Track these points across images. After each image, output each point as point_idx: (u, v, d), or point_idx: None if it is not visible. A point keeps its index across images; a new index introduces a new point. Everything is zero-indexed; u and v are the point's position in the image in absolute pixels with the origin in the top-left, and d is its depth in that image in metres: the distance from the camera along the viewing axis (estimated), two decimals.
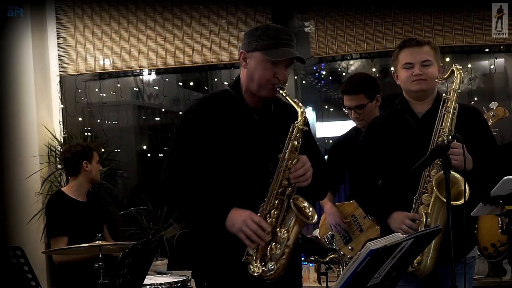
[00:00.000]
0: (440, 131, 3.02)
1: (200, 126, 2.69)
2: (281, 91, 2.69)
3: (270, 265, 2.58)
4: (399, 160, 3.09)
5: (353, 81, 4.00)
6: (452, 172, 2.86)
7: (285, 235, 2.60)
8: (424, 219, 2.94)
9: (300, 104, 2.69)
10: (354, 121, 4.05)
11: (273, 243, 2.60)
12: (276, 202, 2.62)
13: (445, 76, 3.15)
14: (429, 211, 2.94)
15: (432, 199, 2.94)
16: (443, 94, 3.09)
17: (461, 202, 2.75)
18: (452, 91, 3.05)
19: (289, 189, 2.62)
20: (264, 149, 2.71)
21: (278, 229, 2.61)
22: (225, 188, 2.68)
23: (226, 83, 5.79)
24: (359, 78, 4.00)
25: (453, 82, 3.08)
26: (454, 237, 2.59)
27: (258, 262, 2.58)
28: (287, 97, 2.69)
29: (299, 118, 2.65)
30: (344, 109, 4.05)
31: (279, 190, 2.62)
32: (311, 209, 2.63)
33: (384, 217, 3.08)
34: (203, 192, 2.66)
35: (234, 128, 2.71)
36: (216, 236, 2.67)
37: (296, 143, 2.64)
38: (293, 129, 2.65)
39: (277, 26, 2.75)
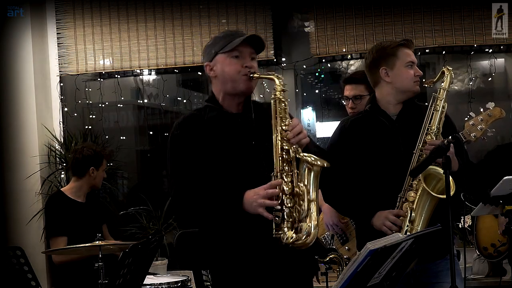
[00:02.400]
0: (428, 129, 3.02)
1: (189, 138, 2.72)
2: (254, 75, 2.69)
3: (303, 227, 2.52)
4: (376, 162, 3.08)
5: (356, 73, 4.02)
6: (437, 168, 2.87)
7: (304, 188, 2.55)
8: (409, 214, 2.94)
9: (276, 74, 2.71)
10: (349, 112, 4.05)
11: (296, 204, 2.55)
12: (284, 165, 2.59)
13: (434, 80, 3.16)
14: (414, 206, 2.94)
15: (419, 193, 2.94)
16: (433, 93, 3.09)
17: (443, 196, 2.75)
18: (442, 90, 3.06)
19: (292, 149, 2.59)
20: (253, 149, 2.70)
21: (296, 188, 2.56)
22: (228, 187, 2.67)
23: None
24: (363, 71, 3.99)
25: (443, 82, 3.09)
26: (441, 233, 2.57)
27: (290, 230, 2.53)
28: (260, 75, 2.71)
29: (277, 82, 2.66)
30: (342, 100, 4.06)
31: (283, 154, 2.60)
32: (319, 159, 2.58)
33: (367, 217, 3.05)
34: (212, 194, 2.65)
35: (220, 137, 2.71)
36: (235, 232, 2.65)
37: (283, 105, 2.64)
38: (275, 93, 2.65)
39: (227, 29, 2.84)
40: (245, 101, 2.79)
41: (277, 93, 2.65)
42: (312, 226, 2.53)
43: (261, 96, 5.69)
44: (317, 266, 2.88)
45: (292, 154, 2.59)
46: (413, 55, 3.14)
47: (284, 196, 2.54)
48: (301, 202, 2.55)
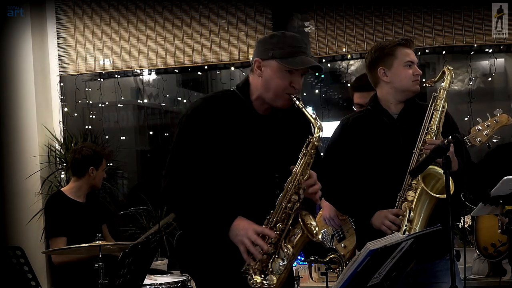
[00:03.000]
0: (428, 128, 3.02)
1: (202, 129, 2.62)
2: (297, 102, 2.61)
3: (271, 278, 2.54)
4: (376, 160, 3.08)
5: (363, 79, 3.94)
6: (436, 168, 2.88)
7: (290, 250, 2.55)
8: (407, 214, 2.94)
9: (316, 118, 2.63)
10: None
11: (276, 257, 2.56)
12: (283, 215, 2.57)
13: (435, 80, 3.16)
14: (413, 205, 2.94)
15: (417, 193, 2.94)
16: (433, 93, 3.09)
17: (444, 196, 2.74)
18: (442, 90, 3.07)
19: (298, 204, 2.57)
20: (270, 158, 2.67)
21: (282, 243, 2.56)
22: (229, 196, 2.63)
23: (225, 83, 5.80)
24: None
25: (443, 82, 3.09)
26: (440, 233, 2.58)
27: (258, 273, 2.55)
28: (304, 110, 2.62)
29: (315, 134, 2.59)
30: (353, 107, 4.01)
31: (288, 205, 2.57)
32: (316, 228, 2.59)
33: (366, 216, 3.06)
34: (207, 199, 2.61)
35: (239, 133, 2.64)
36: (217, 243, 2.64)
37: (310, 159, 2.59)
38: (308, 144, 2.60)
39: (293, 34, 2.70)
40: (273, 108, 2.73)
41: (312, 145, 2.59)
42: (278, 283, 2.56)
43: None
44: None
45: (293, 213, 2.57)
46: (412, 54, 3.13)
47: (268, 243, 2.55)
48: (281, 261, 2.56)
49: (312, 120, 2.61)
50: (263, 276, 2.55)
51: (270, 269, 2.56)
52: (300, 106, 2.62)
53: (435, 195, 2.89)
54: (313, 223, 2.60)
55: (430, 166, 2.90)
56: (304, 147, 2.60)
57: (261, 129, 2.69)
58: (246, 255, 2.53)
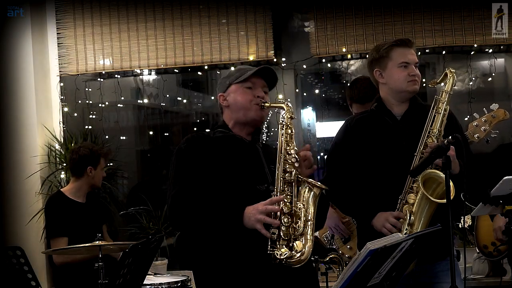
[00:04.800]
0: (429, 131, 3.02)
1: (197, 153, 2.76)
2: (266, 104, 2.80)
3: (296, 245, 2.55)
4: (378, 161, 3.08)
5: (362, 89, 3.86)
6: (437, 171, 2.87)
7: (302, 207, 2.60)
8: (408, 217, 2.93)
9: (284, 101, 2.85)
10: None
11: (292, 222, 2.58)
12: (285, 185, 2.64)
13: (437, 81, 3.15)
14: (413, 209, 2.94)
15: (418, 197, 2.94)
16: (435, 96, 3.09)
17: (444, 201, 2.73)
18: (444, 93, 3.06)
19: (294, 170, 2.65)
20: (262, 172, 2.76)
21: (294, 208, 2.60)
22: (229, 204, 2.69)
23: None
24: (367, 85, 3.85)
25: (445, 84, 3.08)
26: (441, 235, 2.58)
27: (284, 247, 2.55)
28: (271, 105, 2.81)
29: (285, 109, 2.75)
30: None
31: (285, 175, 2.64)
32: (319, 182, 2.66)
33: (367, 218, 3.06)
34: (212, 204, 2.67)
35: (229, 155, 2.77)
36: (225, 243, 2.67)
37: (289, 131, 2.72)
38: (284, 119, 2.74)
39: (241, 65, 3.00)
40: (254, 132, 2.88)
41: (286, 119, 2.75)
42: (307, 245, 2.57)
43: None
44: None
45: (293, 177, 2.64)
46: (410, 54, 3.11)
47: (282, 215, 2.57)
48: (298, 220, 2.59)
49: (282, 104, 2.78)
50: (289, 247, 2.56)
51: (293, 236, 2.57)
52: (268, 104, 2.81)
53: (435, 200, 2.89)
54: (313, 180, 2.66)
55: (431, 170, 2.90)
56: (280, 123, 2.75)
57: (245, 148, 2.82)
58: (264, 230, 2.55)
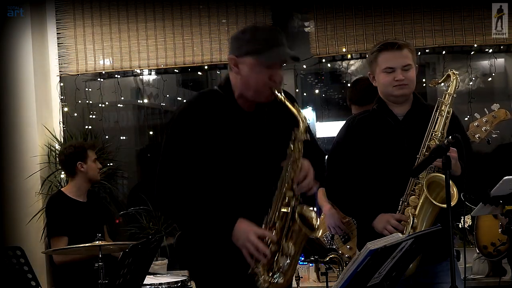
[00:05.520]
0: (432, 134, 3.00)
1: (190, 132, 2.58)
2: (279, 96, 2.56)
3: (278, 276, 2.53)
4: (380, 162, 3.07)
5: (361, 90, 3.87)
6: (441, 175, 2.86)
7: (291, 247, 2.53)
8: (411, 221, 2.92)
9: (299, 110, 2.57)
10: None
11: (280, 255, 2.54)
12: (281, 214, 2.54)
13: (439, 81, 3.14)
14: (416, 212, 2.92)
15: (421, 200, 2.92)
16: (438, 98, 3.07)
17: (445, 206, 2.71)
18: (447, 95, 3.04)
19: (294, 200, 2.55)
20: (261, 154, 2.63)
21: (283, 241, 2.53)
22: (225, 196, 2.60)
23: None
24: (366, 87, 3.84)
25: (448, 86, 3.07)
26: (441, 236, 2.57)
27: (266, 273, 2.53)
28: (286, 103, 2.56)
29: (301, 126, 2.54)
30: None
31: (284, 202, 2.55)
32: (316, 220, 2.57)
33: (369, 219, 3.04)
34: (203, 203, 2.57)
35: (228, 133, 2.60)
36: (218, 244, 2.61)
37: (298, 153, 2.54)
38: (294, 139, 2.55)
39: (265, 26, 2.66)
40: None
41: (300, 134, 2.53)
42: (285, 281, 2.54)
43: None
44: None
45: (290, 211, 2.53)
46: (396, 58, 3.04)
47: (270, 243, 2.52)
48: (284, 257, 2.53)
49: (295, 112, 2.54)
50: (271, 274, 2.53)
51: (276, 267, 2.54)
52: (282, 99, 2.56)
53: (438, 204, 2.86)
54: (313, 215, 2.57)
55: (435, 173, 2.89)
56: (292, 140, 2.55)
57: (248, 126, 2.65)
58: (249, 258, 2.52)
